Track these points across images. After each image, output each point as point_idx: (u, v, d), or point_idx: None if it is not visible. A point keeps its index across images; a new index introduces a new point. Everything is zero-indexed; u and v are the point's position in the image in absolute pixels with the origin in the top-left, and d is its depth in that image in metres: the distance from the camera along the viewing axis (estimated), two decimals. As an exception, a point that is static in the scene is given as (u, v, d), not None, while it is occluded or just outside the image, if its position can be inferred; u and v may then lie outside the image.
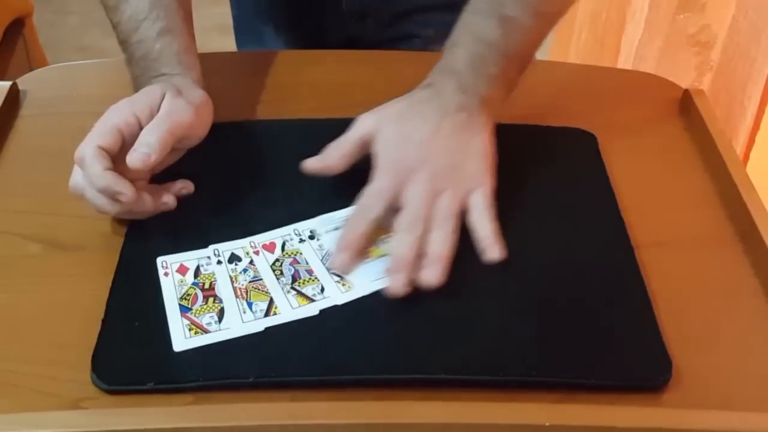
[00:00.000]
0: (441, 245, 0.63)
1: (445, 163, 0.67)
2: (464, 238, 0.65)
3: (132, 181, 0.63)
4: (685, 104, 0.83)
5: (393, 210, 0.65)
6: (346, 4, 0.96)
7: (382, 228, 0.65)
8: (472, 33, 0.71)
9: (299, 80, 0.86)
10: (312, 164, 0.70)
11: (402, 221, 0.64)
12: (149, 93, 0.68)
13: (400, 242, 0.63)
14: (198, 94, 0.71)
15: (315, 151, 0.75)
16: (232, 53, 0.94)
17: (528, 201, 0.71)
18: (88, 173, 0.62)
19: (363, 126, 0.70)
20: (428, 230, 0.64)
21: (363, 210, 0.65)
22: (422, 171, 0.66)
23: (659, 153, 0.78)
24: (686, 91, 0.84)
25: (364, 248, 0.64)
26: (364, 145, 0.69)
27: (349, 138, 0.70)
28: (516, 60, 0.71)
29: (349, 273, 0.63)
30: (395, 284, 0.61)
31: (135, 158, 0.63)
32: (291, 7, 1.02)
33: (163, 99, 0.67)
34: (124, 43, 0.73)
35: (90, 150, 0.63)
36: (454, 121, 0.68)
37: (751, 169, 1.27)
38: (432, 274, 0.61)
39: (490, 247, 0.64)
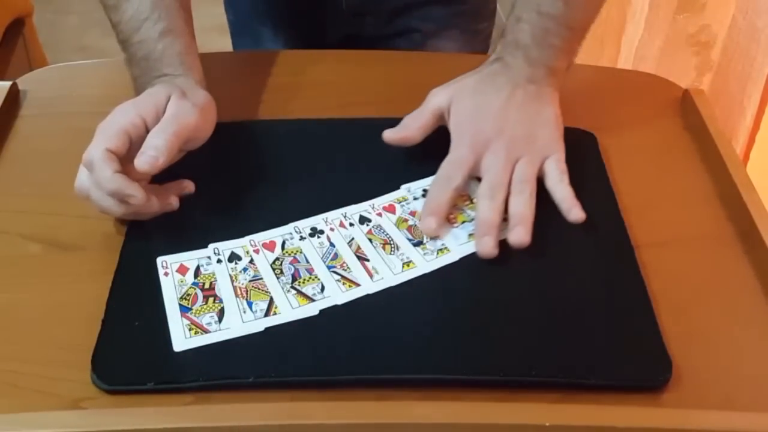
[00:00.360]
0: (523, 207, 0.67)
1: (520, 133, 0.70)
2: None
3: (136, 181, 0.63)
4: (685, 104, 0.83)
5: (472, 178, 0.70)
6: (346, 1, 0.96)
7: (462, 196, 0.70)
8: (535, 7, 0.73)
9: (299, 80, 0.86)
10: (391, 135, 0.73)
11: (484, 188, 0.68)
12: (154, 95, 0.68)
13: (484, 208, 0.67)
14: (202, 96, 0.71)
15: (315, 150, 0.75)
16: (231, 53, 0.94)
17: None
18: (98, 176, 0.63)
19: (437, 99, 0.73)
20: (509, 195, 0.68)
21: (445, 179, 0.69)
22: (499, 140, 0.69)
23: (659, 153, 0.78)
24: (686, 91, 0.84)
25: (448, 214, 0.68)
26: (439, 118, 0.73)
27: (424, 110, 0.73)
28: (577, 31, 0.75)
29: (437, 237, 0.66)
30: (485, 246, 0.65)
31: (143, 162, 0.63)
32: (290, 6, 1.02)
33: (168, 101, 0.67)
34: (124, 43, 0.73)
35: (98, 153, 0.63)
36: (525, 92, 0.72)
37: (750, 168, 1.27)
38: (519, 235, 0.65)
39: (572, 208, 0.67)
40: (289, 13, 1.02)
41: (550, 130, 0.72)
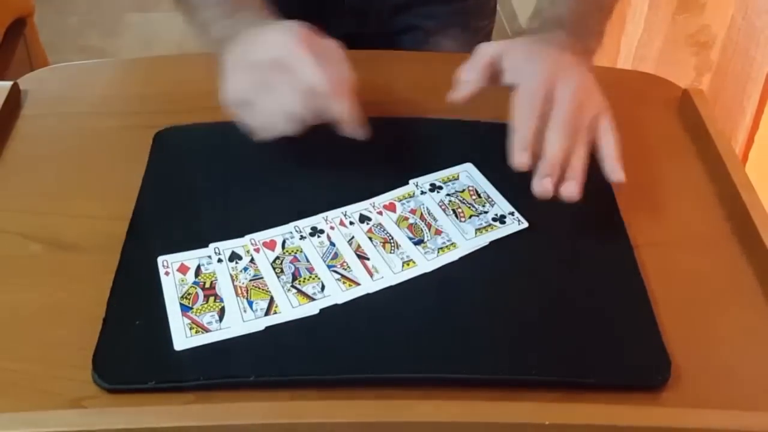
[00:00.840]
0: (581, 162, 0.66)
1: (580, 81, 0.69)
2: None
3: None
4: (685, 104, 0.83)
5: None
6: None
7: (468, 190, 0.70)
8: None
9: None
10: (457, 94, 0.71)
11: (557, 123, 0.66)
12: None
13: (554, 143, 0.65)
14: None
15: (315, 150, 0.75)
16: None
17: (528, 201, 0.71)
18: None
19: (489, 48, 0.72)
20: (575, 142, 0.66)
21: (524, 108, 0.67)
22: (566, 78, 0.68)
23: (658, 153, 0.78)
24: (686, 91, 0.84)
25: (536, 146, 0.66)
26: (493, 66, 0.71)
27: (478, 59, 0.71)
28: (608, 12, 0.77)
29: (528, 168, 0.65)
30: (544, 187, 0.64)
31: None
32: (290, 5, 1.02)
33: None
34: None
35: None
36: (573, 54, 0.72)
37: (750, 168, 1.27)
38: (573, 189, 0.65)
39: (616, 169, 0.67)
40: (289, 11, 1.02)
41: (598, 90, 0.71)
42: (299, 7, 1.01)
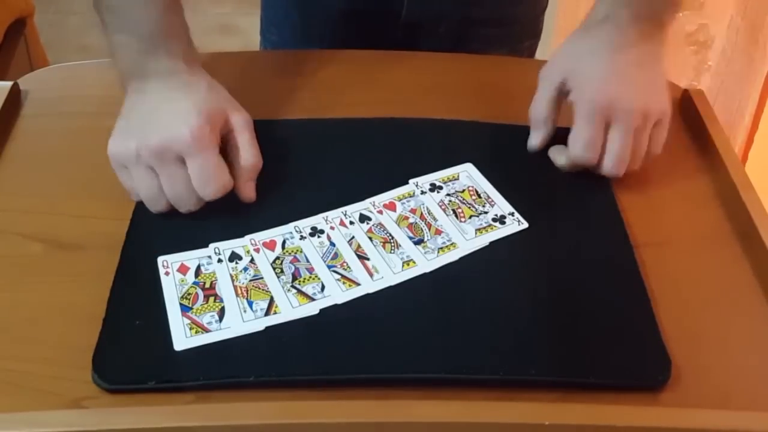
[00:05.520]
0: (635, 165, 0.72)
1: (638, 105, 0.71)
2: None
3: None
4: (685, 104, 0.83)
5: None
6: (405, 16, 0.96)
7: (468, 190, 0.72)
8: None
9: (299, 80, 0.86)
10: (536, 141, 0.75)
11: (611, 161, 0.71)
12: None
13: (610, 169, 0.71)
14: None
15: (314, 150, 0.75)
16: (231, 53, 0.94)
17: (528, 201, 0.71)
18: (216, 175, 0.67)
19: (552, 76, 0.75)
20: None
21: (587, 154, 0.72)
22: (621, 112, 0.70)
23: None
24: (686, 92, 0.84)
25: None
26: (558, 94, 0.74)
27: (545, 96, 0.75)
28: None
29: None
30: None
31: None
32: (346, 28, 1.00)
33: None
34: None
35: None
36: (638, 53, 0.73)
37: (749, 168, 1.27)
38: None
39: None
40: (338, 38, 1.01)
41: (661, 97, 0.73)
42: (351, 33, 1.01)
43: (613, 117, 0.70)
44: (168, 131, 0.65)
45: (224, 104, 0.70)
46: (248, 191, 0.69)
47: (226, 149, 0.69)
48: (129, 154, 0.66)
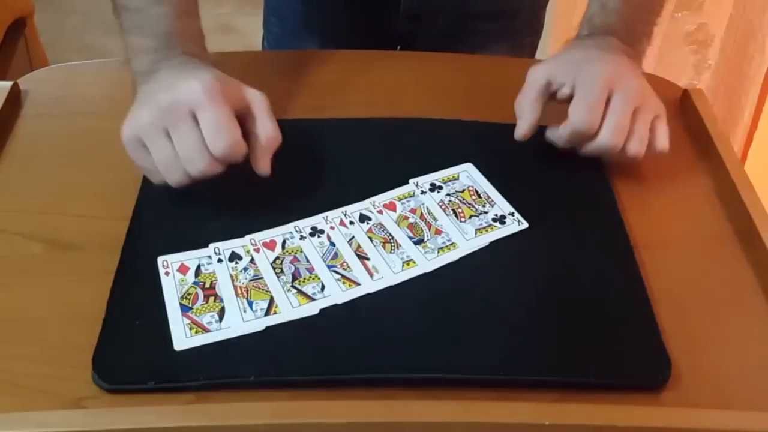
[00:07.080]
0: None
1: (637, 84, 0.72)
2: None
3: None
4: (684, 104, 0.83)
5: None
6: (403, 13, 0.96)
7: (468, 189, 0.72)
8: None
9: (299, 80, 0.86)
10: (523, 132, 0.73)
11: (610, 129, 0.70)
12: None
13: (605, 141, 0.70)
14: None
15: (314, 150, 0.75)
16: (232, 53, 0.94)
17: (528, 201, 0.71)
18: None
19: (540, 72, 0.74)
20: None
21: (589, 125, 0.70)
22: (624, 79, 0.71)
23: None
24: (685, 91, 0.84)
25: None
26: (547, 87, 0.74)
27: (531, 90, 0.74)
28: (657, 13, 0.80)
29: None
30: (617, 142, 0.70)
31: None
32: (345, 20, 1.00)
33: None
34: None
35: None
36: (627, 59, 0.74)
37: (749, 168, 1.27)
38: (638, 147, 0.70)
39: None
40: (339, 28, 1.01)
41: (654, 94, 0.73)
42: (350, 24, 1.01)
43: (615, 89, 0.70)
44: (179, 87, 0.64)
45: (238, 83, 0.69)
46: (264, 164, 0.67)
47: (245, 126, 0.67)
48: (142, 123, 0.64)
